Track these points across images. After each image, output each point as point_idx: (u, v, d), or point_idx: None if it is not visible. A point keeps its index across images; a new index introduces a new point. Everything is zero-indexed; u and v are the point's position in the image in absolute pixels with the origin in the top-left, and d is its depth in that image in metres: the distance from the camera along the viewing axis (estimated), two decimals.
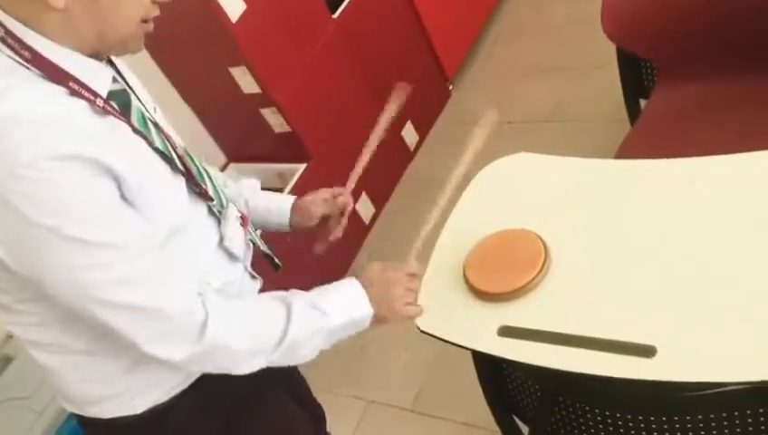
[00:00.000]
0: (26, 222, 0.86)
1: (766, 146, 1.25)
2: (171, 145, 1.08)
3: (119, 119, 0.97)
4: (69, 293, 0.92)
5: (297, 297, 1.11)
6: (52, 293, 0.93)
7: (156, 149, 1.03)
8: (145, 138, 1.01)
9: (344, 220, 1.39)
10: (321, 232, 1.41)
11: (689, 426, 1.22)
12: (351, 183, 1.43)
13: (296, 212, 1.39)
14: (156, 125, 1.07)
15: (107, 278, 0.91)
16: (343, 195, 1.39)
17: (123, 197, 0.93)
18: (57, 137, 0.86)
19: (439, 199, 1.36)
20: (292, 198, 1.41)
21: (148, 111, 1.07)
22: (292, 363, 1.11)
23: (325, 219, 1.39)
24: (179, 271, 1.01)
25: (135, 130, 1.00)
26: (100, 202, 0.90)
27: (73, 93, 0.91)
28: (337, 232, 1.39)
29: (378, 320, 1.17)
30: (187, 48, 2.41)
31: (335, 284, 1.17)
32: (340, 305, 1.13)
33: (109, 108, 0.95)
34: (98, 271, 0.90)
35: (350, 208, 1.39)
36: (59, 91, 0.90)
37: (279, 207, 1.38)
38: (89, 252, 0.89)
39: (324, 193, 1.39)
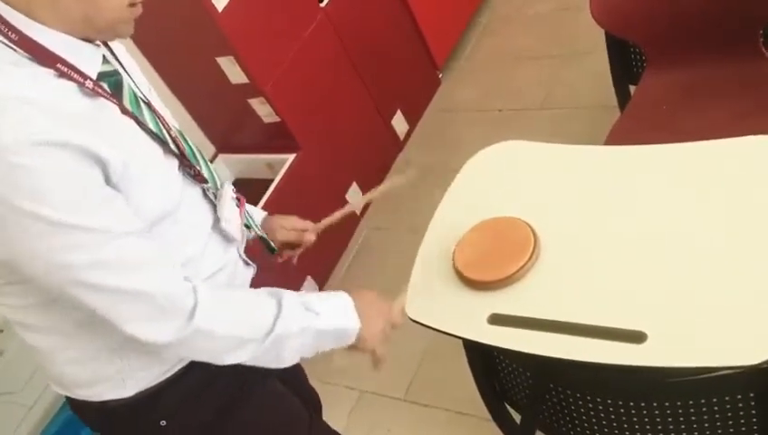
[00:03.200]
0: (5, 205, 0.85)
1: (756, 130, 1.25)
2: (165, 126, 1.07)
3: (109, 100, 0.96)
4: (48, 276, 0.91)
5: (288, 294, 1.11)
6: (32, 276, 0.92)
7: (148, 131, 1.02)
8: (137, 119, 1.00)
9: (300, 250, 1.45)
10: (281, 250, 1.44)
11: (680, 411, 1.22)
12: (322, 225, 1.47)
13: (264, 229, 1.40)
14: (149, 106, 1.06)
15: (85, 260, 0.90)
16: (310, 231, 1.43)
17: (108, 180, 0.92)
18: (41, 122, 0.85)
19: (429, 186, 1.36)
20: (263, 214, 1.44)
21: (141, 92, 1.06)
22: (273, 365, 1.09)
23: (286, 244, 1.43)
24: (167, 255, 1.00)
25: (126, 112, 0.99)
26: (81, 187, 0.89)
27: (62, 75, 0.91)
28: (292, 258, 1.45)
29: (359, 340, 1.16)
30: (173, 38, 2.39)
31: (327, 292, 1.18)
32: (331, 311, 1.13)
33: (99, 89, 0.95)
34: (76, 253, 0.89)
35: (309, 245, 1.44)
36: (46, 73, 0.90)
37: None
38: (66, 235, 0.88)
39: (295, 222, 1.43)
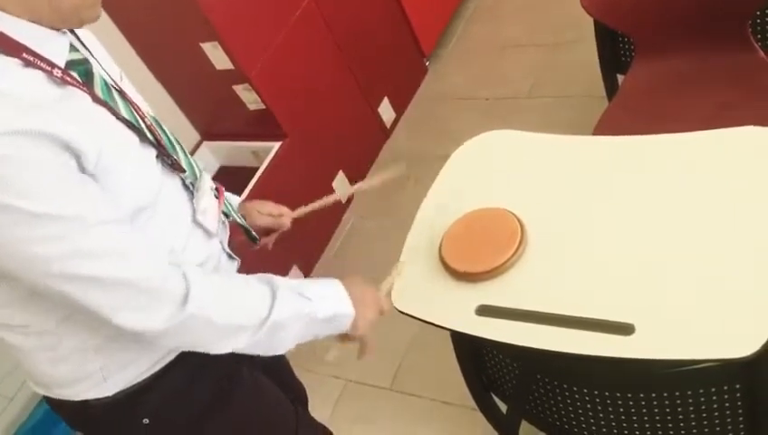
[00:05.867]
0: None
1: (743, 121, 1.24)
2: (139, 115, 1.04)
3: (79, 88, 0.94)
4: (27, 269, 0.88)
5: (282, 281, 1.09)
6: (8, 270, 0.89)
7: (122, 119, 0.99)
8: (109, 107, 0.98)
9: (274, 236, 1.43)
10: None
11: (666, 403, 1.22)
12: (300, 212, 1.45)
13: (240, 215, 1.38)
14: (122, 94, 1.03)
15: (64, 251, 0.88)
16: (285, 216, 1.41)
17: (82, 169, 0.90)
18: (10, 112, 0.83)
19: (416, 175, 1.34)
20: (238, 199, 1.41)
21: (112, 80, 1.04)
22: (268, 352, 1.08)
23: (261, 229, 1.40)
24: (150, 243, 0.97)
25: (98, 100, 0.96)
26: (54, 176, 0.86)
27: (28, 64, 0.88)
28: (267, 244, 1.43)
29: (353, 326, 1.15)
30: (157, 23, 2.35)
31: (318, 279, 1.16)
32: (326, 297, 1.12)
33: (68, 78, 0.92)
34: (53, 244, 0.87)
35: (285, 229, 1.42)
36: (12, 62, 0.87)
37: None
38: (42, 226, 0.85)
39: (270, 207, 1.40)
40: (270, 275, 1.09)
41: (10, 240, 0.86)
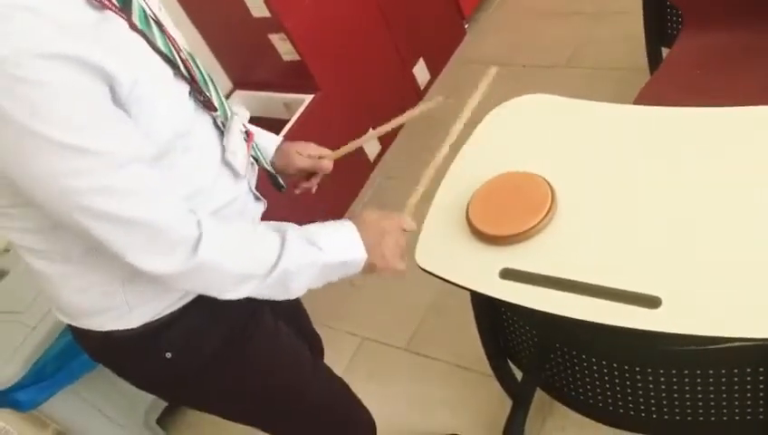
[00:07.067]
0: (4, 121, 0.81)
1: None
2: (175, 48, 1.02)
3: (117, 14, 0.92)
4: (50, 199, 0.88)
5: (292, 229, 1.08)
6: (34, 198, 0.89)
7: (158, 51, 0.97)
8: (146, 37, 0.96)
9: (317, 179, 1.41)
10: (296, 180, 1.41)
11: (686, 380, 1.21)
12: (341, 152, 1.41)
13: (279, 155, 1.37)
14: (159, 25, 1.01)
15: (90, 186, 0.86)
16: (327, 159, 1.38)
17: (116, 100, 0.88)
18: (44, 33, 0.80)
19: (446, 140, 1.31)
20: (278, 139, 1.39)
21: (151, 10, 1.02)
22: (280, 297, 1.07)
23: (303, 172, 1.39)
24: (172, 186, 0.97)
25: (135, 28, 0.94)
26: (87, 105, 0.84)
27: None
28: (312, 187, 1.41)
29: (368, 267, 1.14)
30: None
31: (330, 223, 1.14)
32: (336, 244, 1.10)
33: (107, 2, 0.90)
34: (81, 178, 0.86)
35: (327, 172, 1.39)
36: None
37: (265, 144, 1.35)
38: (69, 157, 0.84)
39: (312, 149, 1.38)
40: (282, 223, 1.08)
41: (35, 168, 0.84)
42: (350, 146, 1.43)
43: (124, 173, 0.89)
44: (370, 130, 1.44)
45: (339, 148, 1.41)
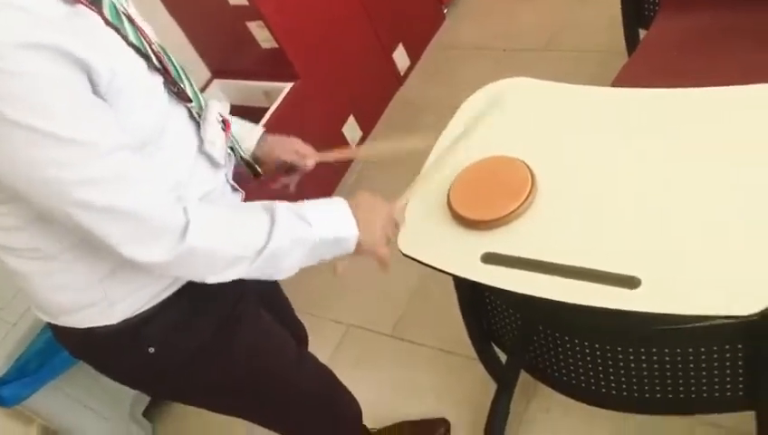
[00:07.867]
0: None
1: (766, 80, 1.21)
2: (147, 41, 1.02)
3: (89, 8, 0.91)
4: (33, 191, 0.87)
5: (282, 206, 1.07)
6: (15, 190, 0.88)
7: (131, 44, 0.97)
8: (118, 31, 0.95)
9: (298, 177, 1.40)
10: (275, 174, 1.40)
11: (667, 359, 1.22)
12: (324, 157, 1.41)
13: (262, 146, 1.36)
14: (129, 19, 1.01)
15: (75, 176, 0.86)
16: (309, 157, 1.37)
17: (96, 91, 0.88)
18: (23, 24, 0.80)
19: (427, 124, 1.31)
20: (261, 130, 1.38)
21: (121, 4, 1.01)
22: (273, 277, 1.07)
23: (284, 165, 1.38)
24: (156, 173, 0.96)
25: (107, 23, 0.94)
26: (68, 95, 0.84)
27: None
28: (291, 184, 1.41)
29: (359, 247, 1.14)
30: None
31: (323, 199, 1.13)
32: (327, 220, 1.10)
33: None
34: (65, 169, 0.85)
35: (307, 171, 1.39)
36: None
37: (248, 135, 1.34)
38: (56, 148, 0.84)
39: (297, 144, 1.37)
40: (272, 202, 1.07)
41: (16, 158, 0.84)
42: (335, 155, 1.43)
43: (108, 162, 0.88)
44: (358, 150, 1.45)
45: (323, 151, 1.41)
